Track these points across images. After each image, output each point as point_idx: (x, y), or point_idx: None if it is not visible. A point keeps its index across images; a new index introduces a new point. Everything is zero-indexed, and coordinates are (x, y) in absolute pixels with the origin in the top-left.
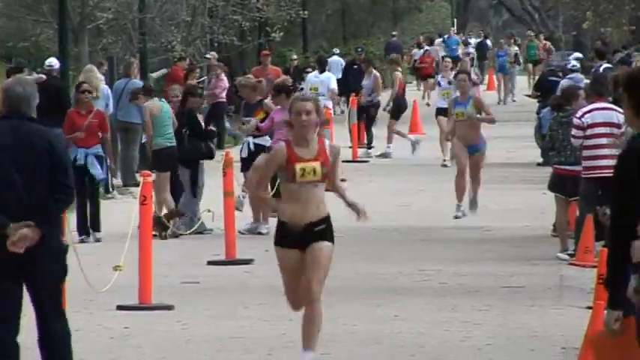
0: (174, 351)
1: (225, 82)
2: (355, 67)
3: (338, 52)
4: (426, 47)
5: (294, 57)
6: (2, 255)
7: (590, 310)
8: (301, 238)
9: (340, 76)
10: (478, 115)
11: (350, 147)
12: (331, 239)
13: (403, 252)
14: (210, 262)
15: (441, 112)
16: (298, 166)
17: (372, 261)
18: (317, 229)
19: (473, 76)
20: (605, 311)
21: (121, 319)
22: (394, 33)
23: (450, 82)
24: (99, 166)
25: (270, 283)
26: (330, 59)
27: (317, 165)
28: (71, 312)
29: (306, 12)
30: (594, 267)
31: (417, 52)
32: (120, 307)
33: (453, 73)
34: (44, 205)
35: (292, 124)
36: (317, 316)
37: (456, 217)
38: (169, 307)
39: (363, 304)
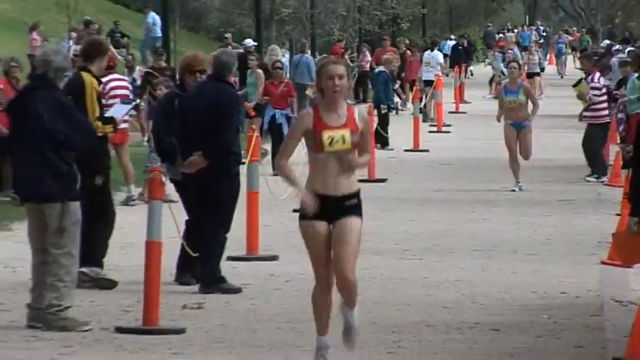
0: None
1: (368, 56)
2: (460, 48)
3: (453, 37)
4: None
5: (407, 41)
6: None
7: (619, 217)
8: (331, 211)
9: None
10: (530, 116)
11: (453, 102)
12: (361, 215)
13: (487, 178)
14: None
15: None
16: (326, 134)
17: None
18: (349, 203)
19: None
20: (629, 217)
21: None
22: (489, 24)
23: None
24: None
25: None
26: (446, 42)
27: (346, 132)
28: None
29: (425, 9)
30: (621, 187)
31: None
32: None
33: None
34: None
35: (322, 89)
36: (354, 297)
37: (513, 191)
38: None
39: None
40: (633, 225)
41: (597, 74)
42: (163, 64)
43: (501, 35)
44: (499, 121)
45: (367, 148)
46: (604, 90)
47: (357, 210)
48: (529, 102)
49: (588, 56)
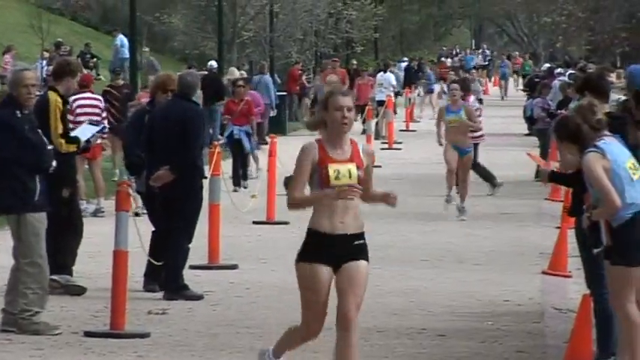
0: None
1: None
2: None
3: (405, 59)
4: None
5: (354, 62)
6: None
7: (558, 229)
8: (339, 253)
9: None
10: (470, 122)
11: (404, 121)
12: (367, 257)
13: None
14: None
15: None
16: (332, 168)
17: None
18: (357, 243)
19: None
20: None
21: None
22: (444, 47)
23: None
24: (247, 140)
25: None
26: (398, 63)
27: (352, 167)
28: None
29: (377, 33)
30: (561, 201)
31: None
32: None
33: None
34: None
35: (325, 121)
36: (356, 344)
37: (447, 201)
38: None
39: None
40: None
41: (472, 97)
42: (121, 82)
43: (443, 59)
44: (441, 143)
45: (371, 183)
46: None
47: (365, 252)
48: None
49: (464, 81)
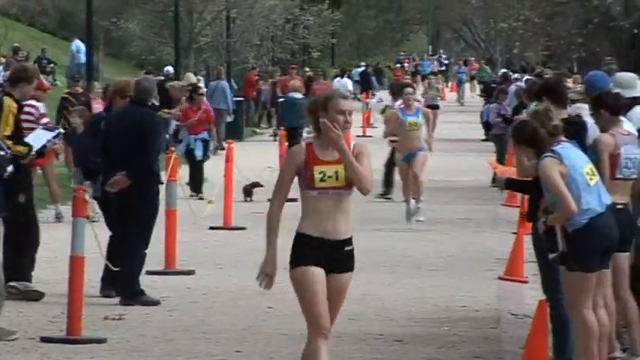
0: None
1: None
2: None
3: (363, 64)
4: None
5: (307, 69)
6: None
7: (515, 235)
8: (330, 258)
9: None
10: (427, 135)
11: (361, 126)
12: (354, 264)
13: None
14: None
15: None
16: (317, 170)
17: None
18: (347, 250)
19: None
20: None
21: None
22: (402, 52)
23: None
24: (203, 147)
25: None
26: (355, 69)
27: (340, 168)
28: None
29: (334, 39)
30: (518, 207)
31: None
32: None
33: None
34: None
35: (318, 124)
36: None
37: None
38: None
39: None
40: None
41: (399, 101)
42: (80, 89)
43: (398, 65)
44: (386, 136)
45: (366, 167)
46: None
47: (353, 260)
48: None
49: (394, 85)
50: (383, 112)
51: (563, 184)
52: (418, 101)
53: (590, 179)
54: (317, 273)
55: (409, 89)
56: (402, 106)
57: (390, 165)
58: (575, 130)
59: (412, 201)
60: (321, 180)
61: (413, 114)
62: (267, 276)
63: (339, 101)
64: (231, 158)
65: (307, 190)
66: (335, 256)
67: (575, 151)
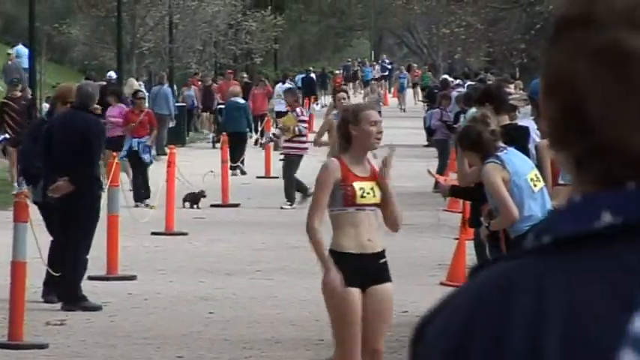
0: None
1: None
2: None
3: (311, 69)
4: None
5: (245, 75)
6: None
7: (457, 240)
8: (367, 273)
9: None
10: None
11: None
12: (390, 275)
13: None
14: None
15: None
16: (358, 186)
17: None
18: (382, 262)
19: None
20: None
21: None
22: (349, 60)
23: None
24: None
25: None
26: (298, 75)
27: (374, 185)
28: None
29: (277, 45)
30: (460, 212)
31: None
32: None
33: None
34: None
35: (349, 135)
36: None
37: None
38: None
39: None
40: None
41: (299, 108)
42: (18, 94)
43: (338, 72)
44: (317, 145)
45: (392, 200)
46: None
47: (389, 271)
48: None
49: (291, 90)
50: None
51: (506, 190)
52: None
53: (535, 185)
54: (355, 296)
55: (341, 94)
56: (336, 112)
57: (288, 171)
58: (517, 136)
59: None
60: (362, 196)
61: None
62: (334, 282)
63: (370, 113)
64: (173, 163)
65: (345, 206)
66: (374, 268)
67: (519, 157)
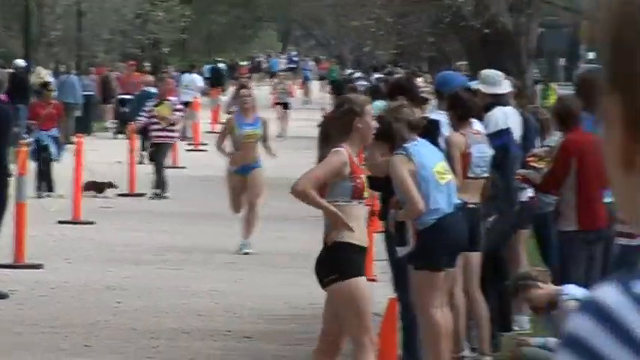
0: None
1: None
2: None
3: (221, 59)
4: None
5: (147, 65)
6: None
7: None
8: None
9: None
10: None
11: (210, 122)
12: None
13: None
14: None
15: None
16: (364, 178)
17: None
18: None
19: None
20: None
21: None
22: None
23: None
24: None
25: None
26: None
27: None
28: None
29: (185, 35)
30: (368, 205)
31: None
32: None
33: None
34: None
35: (350, 128)
36: None
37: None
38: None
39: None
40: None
41: (174, 98)
42: None
43: (243, 63)
44: (220, 149)
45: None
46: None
47: None
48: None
49: (163, 79)
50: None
51: (412, 182)
52: (285, 104)
53: (441, 178)
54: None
55: (244, 91)
56: (238, 111)
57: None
58: (427, 129)
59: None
60: (365, 189)
61: (251, 123)
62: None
63: (370, 107)
64: (80, 152)
65: (352, 199)
66: (364, 262)
67: (428, 148)
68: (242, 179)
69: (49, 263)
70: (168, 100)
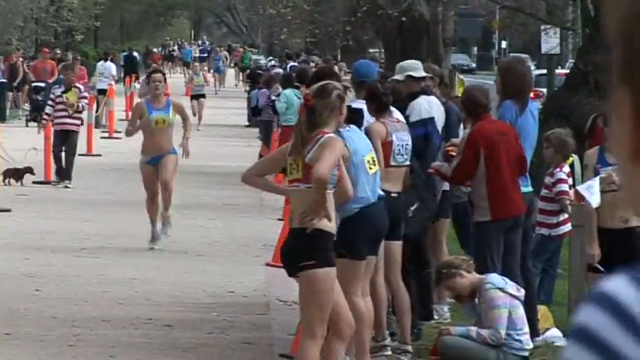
0: None
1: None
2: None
3: (138, 48)
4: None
5: (58, 52)
6: None
7: (280, 221)
8: None
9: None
10: (185, 134)
11: (124, 110)
12: None
13: None
14: None
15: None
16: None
17: None
18: None
19: (201, 79)
20: None
21: None
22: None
23: None
24: None
25: None
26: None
27: None
28: None
29: (98, 22)
30: None
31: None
32: None
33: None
34: None
35: (338, 115)
36: None
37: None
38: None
39: None
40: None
41: (81, 85)
42: None
43: (155, 50)
44: (129, 135)
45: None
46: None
47: None
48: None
49: (67, 66)
50: (65, 92)
51: (344, 167)
52: (168, 95)
53: (370, 168)
54: None
55: (157, 75)
56: (149, 97)
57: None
58: (351, 118)
59: (158, 223)
60: None
61: (161, 109)
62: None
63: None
64: None
65: (334, 187)
66: None
67: (359, 136)
68: (155, 169)
69: None
70: (75, 86)
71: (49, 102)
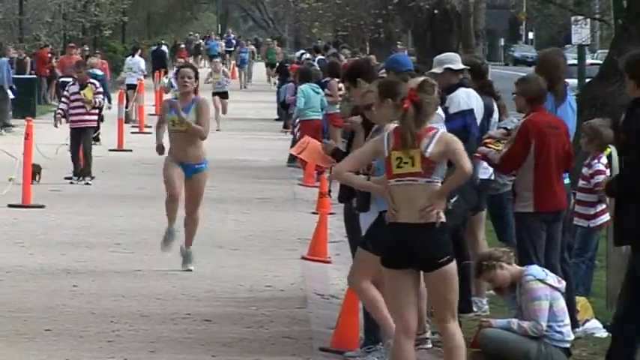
0: None
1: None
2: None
3: (164, 42)
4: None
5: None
6: None
7: (314, 215)
8: None
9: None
10: (195, 126)
11: (154, 105)
12: None
13: None
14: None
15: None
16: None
17: None
18: None
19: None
20: None
21: None
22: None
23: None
24: None
25: None
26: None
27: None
28: None
29: (126, 17)
30: (316, 187)
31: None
32: None
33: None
34: None
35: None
36: None
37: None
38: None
39: None
40: None
41: (95, 82)
42: None
43: (183, 46)
44: (160, 151)
45: None
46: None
47: None
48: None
49: (79, 63)
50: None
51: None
52: (196, 93)
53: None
54: None
55: (186, 70)
56: (177, 94)
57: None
58: None
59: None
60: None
61: (183, 108)
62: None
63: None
64: (30, 135)
65: (440, 178)
66: None
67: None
68: (181, 172)
69: (2, 247)
70: (90, 82)
71: (63, 99)
